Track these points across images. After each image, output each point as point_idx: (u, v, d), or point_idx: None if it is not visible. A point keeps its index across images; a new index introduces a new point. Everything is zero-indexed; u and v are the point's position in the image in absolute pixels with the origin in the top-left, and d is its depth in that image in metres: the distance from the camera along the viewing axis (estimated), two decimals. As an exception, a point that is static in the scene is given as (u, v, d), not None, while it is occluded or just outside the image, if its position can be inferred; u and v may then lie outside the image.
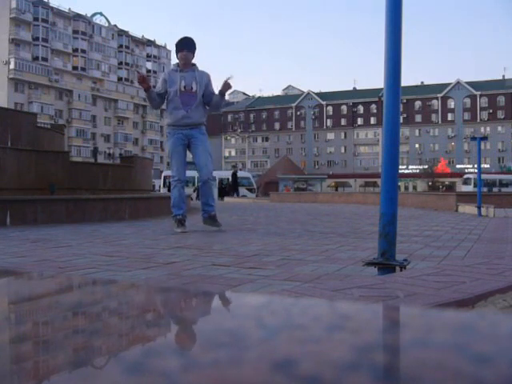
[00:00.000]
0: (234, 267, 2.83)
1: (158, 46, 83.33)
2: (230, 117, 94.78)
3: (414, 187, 64.88)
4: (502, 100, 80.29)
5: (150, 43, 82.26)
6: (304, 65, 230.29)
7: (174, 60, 5.47)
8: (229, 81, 5.26)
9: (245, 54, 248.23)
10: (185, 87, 5.28)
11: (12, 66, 63.77)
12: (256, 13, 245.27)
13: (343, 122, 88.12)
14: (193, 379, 0.36)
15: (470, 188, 38.32)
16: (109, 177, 9.15)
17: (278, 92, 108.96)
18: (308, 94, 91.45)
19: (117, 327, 0.58)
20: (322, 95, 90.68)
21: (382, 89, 2.61)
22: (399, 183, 2.88)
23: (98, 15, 76.51)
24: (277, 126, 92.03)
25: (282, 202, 19.61)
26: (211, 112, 5.93)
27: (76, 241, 4.29)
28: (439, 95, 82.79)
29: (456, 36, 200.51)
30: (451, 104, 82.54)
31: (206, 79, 5.42)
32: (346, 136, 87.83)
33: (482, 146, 10.51)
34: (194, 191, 23.29)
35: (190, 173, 5.38)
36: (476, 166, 10.30)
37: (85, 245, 4.00)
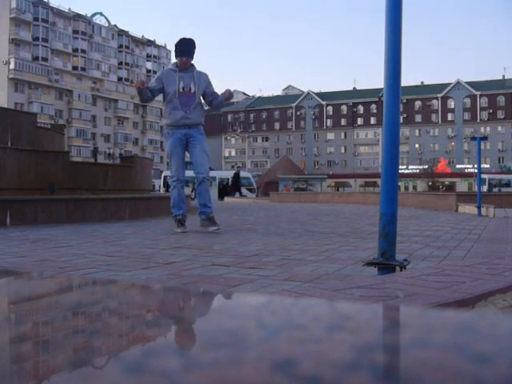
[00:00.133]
0: (233, 267, 2.83)
1: (158, 46, 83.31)
2: (230, 117, 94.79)
3: (414, 187, 64.86)
4: (501, 100, 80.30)
5: (150, 43, 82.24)
6: (304, 65, 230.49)
7: (174, 60, 5.45)
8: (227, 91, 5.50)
9: (245, 54, 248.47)
10: (183, 88, 5.28)
11: (12, 66, 63.77)
12: (256, 13, 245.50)
13: (343, 122, 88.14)
14: (193, 379, 0.36)
15: (484, 188, 38.29)
16: (109, 177, 9.15)
17: (278, 92, 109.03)
18: (308, 94, 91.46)
19: (117, 327, 0.58)
20: (321, 95, 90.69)
21: (381, 89, 2.61)
22: (399, 183, 2.89)
23: (98, 15, 76.51)
24: (277, 125, 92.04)
25: (282, 201, 19.61)
26: (212, 112, 6.00)
27: (76, 241, 4.29)
28: (439, 95, 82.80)
29: (456, 36, 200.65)
30: (451, 104, 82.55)
31: (204, 79, 5.42)
32: (345, 136, 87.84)
33: (482, 146, 10.50)
34: (192, 191, 23.27)
35: (190, 173, 5.38)
36: (476, 165, 10.29)
37: (85, 245, 4.00)
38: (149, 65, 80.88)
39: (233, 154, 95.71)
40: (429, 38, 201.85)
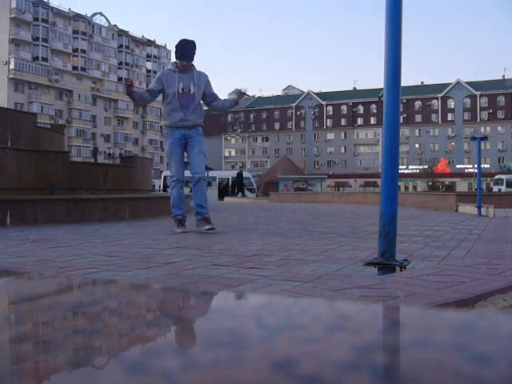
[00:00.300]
0: (234, 267, 2.83)
1: (158, 46, 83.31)
2: (230, 117, 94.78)
3: (414, 187, 64.89)
4: (501, 100, 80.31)
5: (150, 43, 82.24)
6: (304, 65, 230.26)
7: (174, 60, 5.44)
8: (243, 91, 5.46)
9: (245, 54, 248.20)
10: (183, 89, 5.28)
11: (12, 66, 63.77)
12: (256, 13, 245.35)
13: (343, 122, 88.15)
14: (193, 379, 0.36)
15: (502, 188, 38.11)
16: (109, 177, 9.15)
17: (278, 92, 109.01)
18: (308, 94, 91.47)
19: (117, 327, 0.58)
20: (322, 95, 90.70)
21: (381, 89, 2.61)
22: (399, 183, 2.89)
23: (98, 15, 76.51)
24: (277, 125, 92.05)
25: (282, 201, 19.62)
26: (212, 112, 6.03)
27: (76, 241, 4.29)
28: (439, 95, 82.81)
29: (456, 36, 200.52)
30: (451, 104, 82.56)
31: (204, 80, 5.41)
32: (346, 136, 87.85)
33: (482, 146, 10.51)
34: (191, 191, 23.26)
35: (188, 173, 5.41)
36: (476, 165, 10.29)
37: (85, 245, 3.99)
38: (149, 65, 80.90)
39: (233, 153, 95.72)
40: (429, 38, 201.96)
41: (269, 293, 2.03)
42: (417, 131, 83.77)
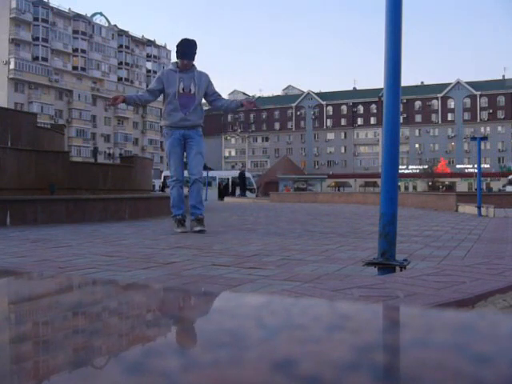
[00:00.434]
0: (233, 267, 2.83)
1: (158, 46, 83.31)
2: (230, 117, 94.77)
3: (414, 187, 64.89)
4: (501, 100, 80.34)
5: (150, 43, 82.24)
6: (304, 65, 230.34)
7: (174, 59, 5.44)
8: (253, 100, 5.45)
9: (245, 54, 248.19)
10: (183, 89, 5.27)
11: (12, 65, 63.76)
12: (256, 13, 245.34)
13: (343, 121, 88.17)
14: (193, 379, 0.36)
15: None
16: (109, 177, 9.15)
17: (278, 92, 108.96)
18: (308, 94, 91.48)
19: (117, 327, 0.58)
20: (322, 95, 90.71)
21: (382, 89, 2.61)
22: (399, 183, 2.89)
23: (98, 15, 76.52)
24: (277, 125, 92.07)
25: (282, 201, 19.61)
26: (213, 111, 6.04)
27: (76, 241, 4.29)
28: (439, 95, 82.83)
29: (456, 36, 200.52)
30: (451, 104, 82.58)
31: (205, 80, 5.41)
32: (345, 136, 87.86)
33: (482, 146, 10.51)
34: None
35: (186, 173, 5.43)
36: (476, 165, 10.28)
37: (85, 245, 3.99)
38: (149, 65, 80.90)
39: (233, 153, 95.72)
40: (429, 38, 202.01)
41: (269, 293, 2.03)
42: (417, 131, 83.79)
